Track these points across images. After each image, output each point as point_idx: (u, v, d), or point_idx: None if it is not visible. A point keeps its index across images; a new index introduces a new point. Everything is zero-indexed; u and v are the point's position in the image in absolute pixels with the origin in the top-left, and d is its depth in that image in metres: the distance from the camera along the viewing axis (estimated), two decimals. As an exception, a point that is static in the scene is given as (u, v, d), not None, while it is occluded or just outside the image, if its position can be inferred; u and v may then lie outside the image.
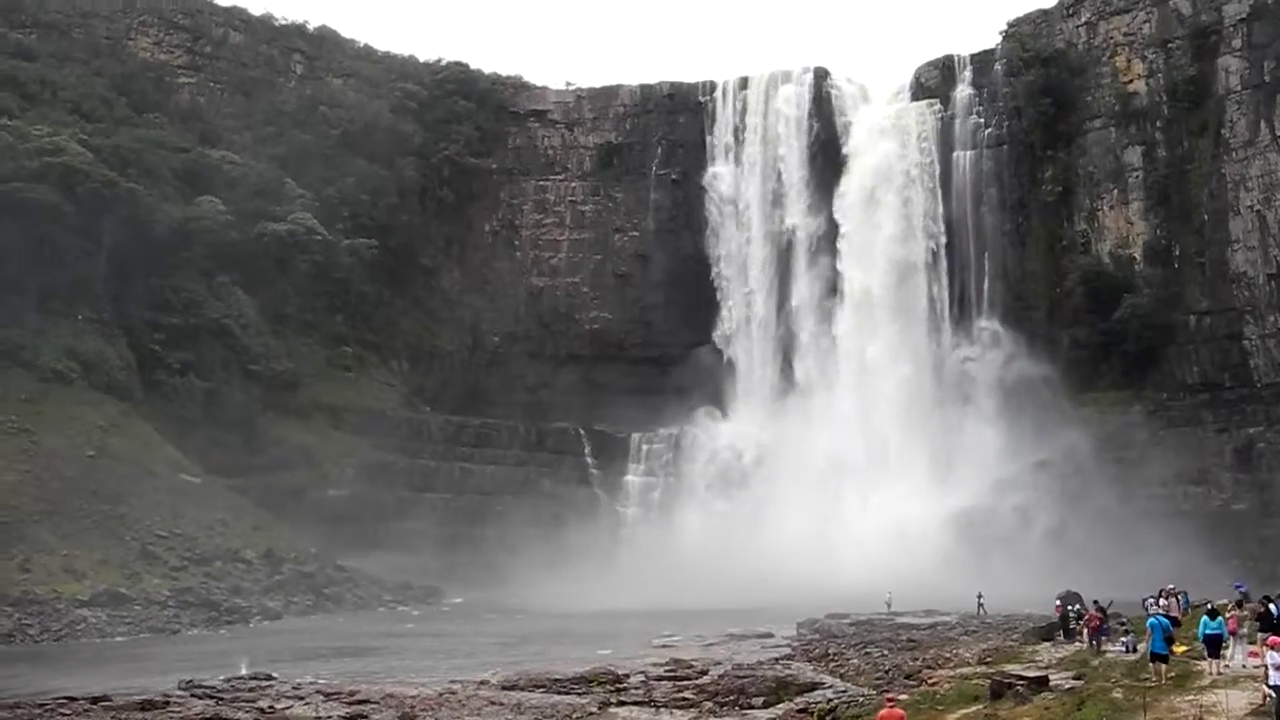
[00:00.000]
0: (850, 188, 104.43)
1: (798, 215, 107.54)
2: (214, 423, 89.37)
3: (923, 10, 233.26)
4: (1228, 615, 30.20)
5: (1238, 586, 37.37)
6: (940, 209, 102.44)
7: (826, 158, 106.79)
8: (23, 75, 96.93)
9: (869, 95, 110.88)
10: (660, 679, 40.21)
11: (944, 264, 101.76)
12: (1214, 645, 27.16)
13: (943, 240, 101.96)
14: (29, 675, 45.09)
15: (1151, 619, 28.56)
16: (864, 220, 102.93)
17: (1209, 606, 30.48)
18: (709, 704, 34.85)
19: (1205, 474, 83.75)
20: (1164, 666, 26.46)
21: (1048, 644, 41.64)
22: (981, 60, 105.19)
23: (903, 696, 28.43)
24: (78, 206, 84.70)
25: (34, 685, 40.53)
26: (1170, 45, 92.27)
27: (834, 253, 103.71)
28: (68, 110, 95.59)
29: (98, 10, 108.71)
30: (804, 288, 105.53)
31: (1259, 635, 27.36)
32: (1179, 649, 30.87)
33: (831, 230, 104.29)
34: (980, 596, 62.92)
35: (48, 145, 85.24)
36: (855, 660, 44.67)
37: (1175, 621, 35.07)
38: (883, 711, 21.60)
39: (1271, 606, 29.40)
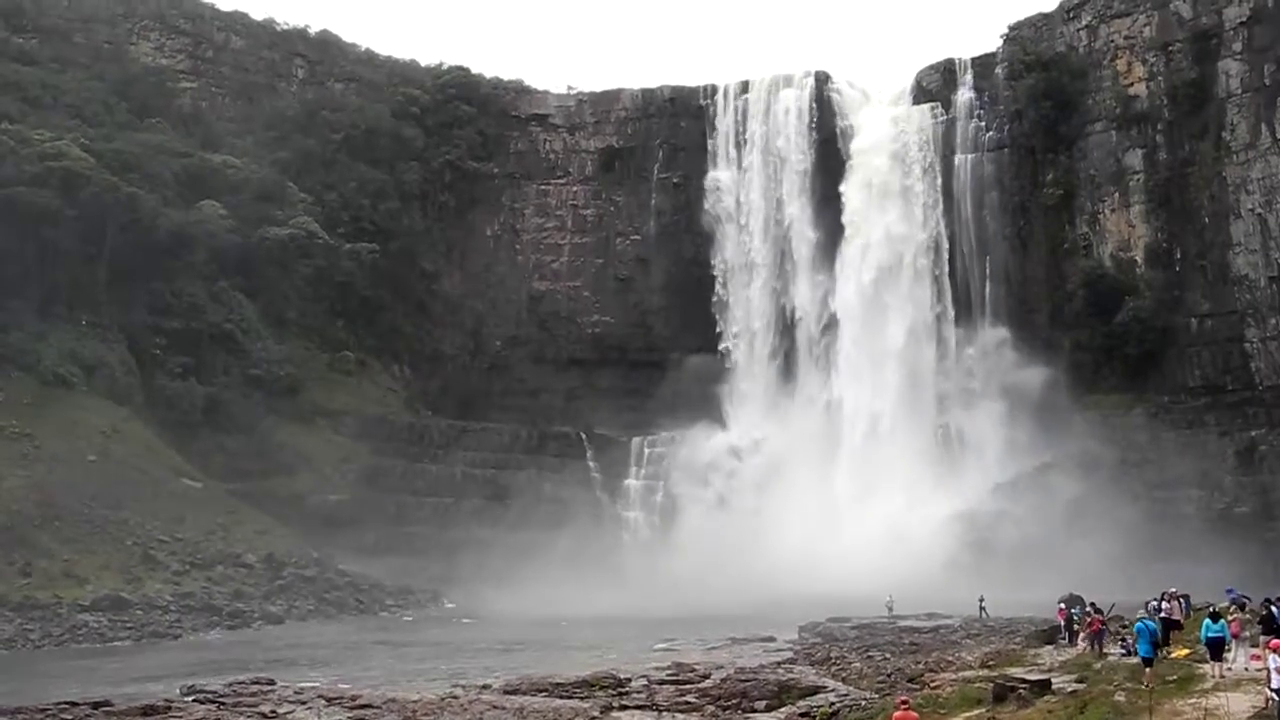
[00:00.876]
0: (849, 277, 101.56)
1: (804, 293, 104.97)
2: (215, 427, 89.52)
3: (923, 14, 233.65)
4: (1230, 618, 30.14)
5: (1229, 592, 37.34)
6: (950, 299, 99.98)
7: (829, 210, 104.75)
8: (24, 80, 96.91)
9: (870, 98, 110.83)
10: (662, 683, 40.12)
11: (953, 357, 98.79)
12: (1216, 648, 27.09)
13: (954, 342, 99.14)
14: (30, 681, 45.09)
15: (1138, 623, 28.54)
16: (866, 321, 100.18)
17: (1212, 609, 30.42)
18: (711, 708, 34.80)
19: (1207, 477, 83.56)
20: (1149, 670, 26.49)
21: (1050, 647, 41.52)
22: (983, 64, 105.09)
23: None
24: (79, 210, 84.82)
25: (35, 691, 40.46)
26: (1171, 49, 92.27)
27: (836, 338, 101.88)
28: (69, 114, 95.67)
29: (99, 15, 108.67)
30: (810, 391, 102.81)
31: (1261, 638, 27.32)
32: (1181, 652, 30.86)
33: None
34: (982, 600, 62.82)
35: (49, 149, 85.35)
36: (857, 664, 44.61)
37: (1177, 624, 35.07)
38: (897, 714, 21.52)
39: (1274, 609, 29.35)
